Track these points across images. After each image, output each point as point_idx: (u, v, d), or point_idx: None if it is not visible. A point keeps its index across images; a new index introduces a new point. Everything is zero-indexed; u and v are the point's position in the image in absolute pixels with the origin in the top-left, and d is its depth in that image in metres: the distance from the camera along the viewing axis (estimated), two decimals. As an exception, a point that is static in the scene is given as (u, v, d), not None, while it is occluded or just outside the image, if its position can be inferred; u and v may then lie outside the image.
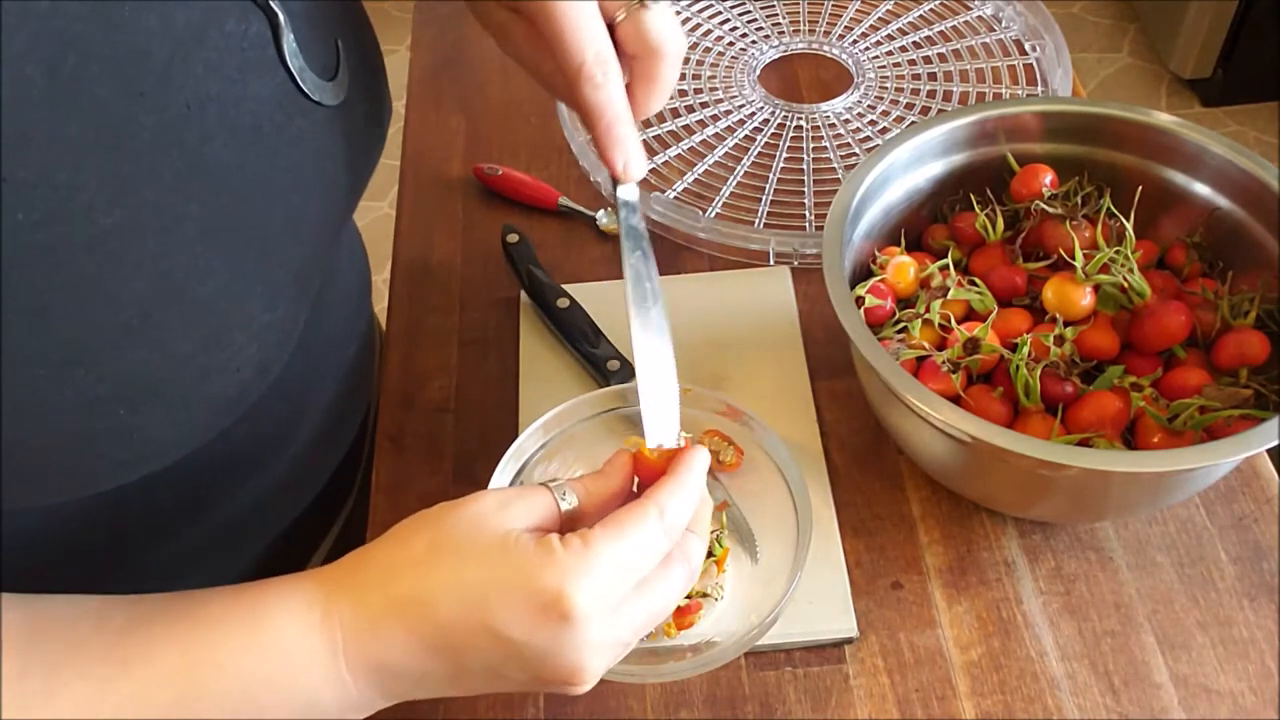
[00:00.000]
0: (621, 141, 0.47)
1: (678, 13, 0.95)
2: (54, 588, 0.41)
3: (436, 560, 0.40)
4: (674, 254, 0.77)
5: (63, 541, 0.50)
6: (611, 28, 0.47)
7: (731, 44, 0.93)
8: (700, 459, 0.45)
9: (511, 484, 0.52)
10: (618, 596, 0.40)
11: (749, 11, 0.95)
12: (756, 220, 0.78)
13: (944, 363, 0.57)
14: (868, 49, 0.91)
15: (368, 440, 0.74)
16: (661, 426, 0.46)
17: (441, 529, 0.41)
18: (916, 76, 0.88)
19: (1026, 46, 0.90)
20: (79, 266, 0.35)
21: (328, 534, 0.70)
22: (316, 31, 0.45)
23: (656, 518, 0.41)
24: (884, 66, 0.89)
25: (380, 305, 0.72)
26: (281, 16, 0.42)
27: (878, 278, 0.63)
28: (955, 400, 0.55)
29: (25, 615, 0.39)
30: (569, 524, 0.43)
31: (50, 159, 0.34)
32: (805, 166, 0.82)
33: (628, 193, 0.49)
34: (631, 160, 0.47)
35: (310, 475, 0.66)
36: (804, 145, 0.84)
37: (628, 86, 0.48)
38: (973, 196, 0.65)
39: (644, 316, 0.47)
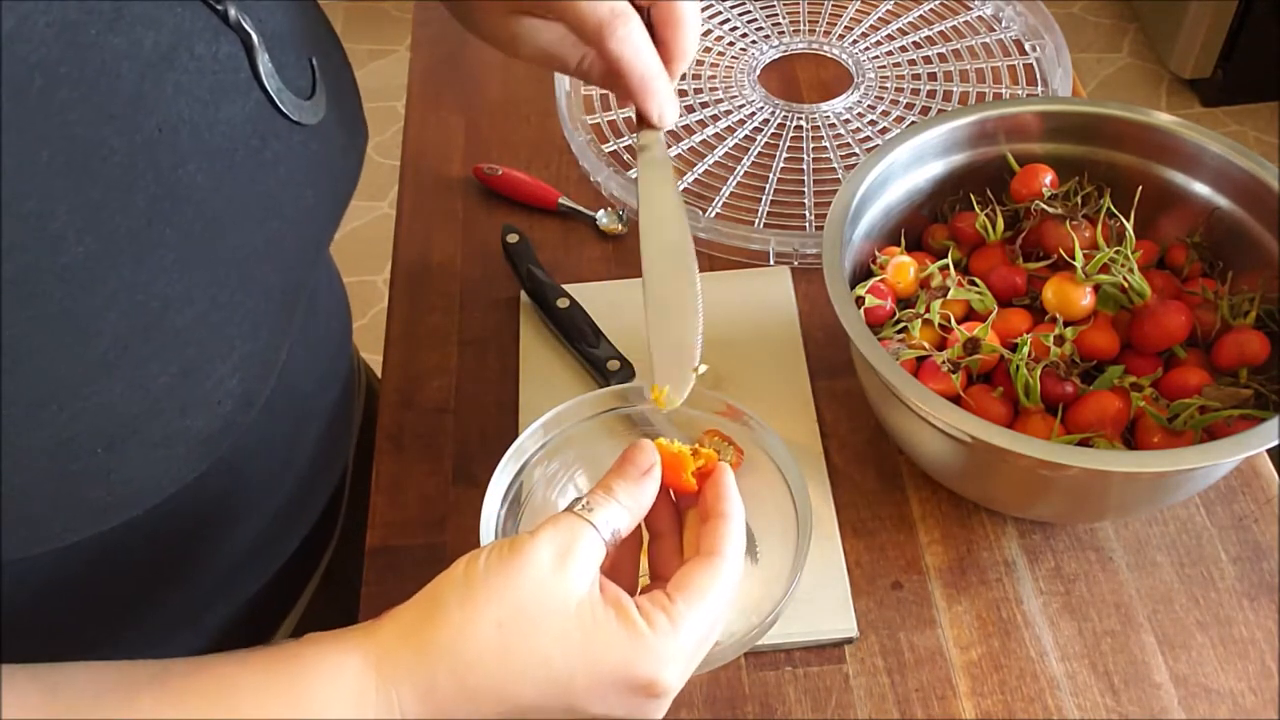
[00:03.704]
0: (656, 93, 0.46)
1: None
2: (18, 658, 0.38)
3: (511, 645, 0.38)
4: (674, 254, 0.77)
5: (29, 607, 0.48)
6: None
7: (731, 44, 0.92)
8: (730, 480, 0.44)
9: (511, 484, 0.52)
10: (701, 653, 0.41)
11: (749, 11, 0.95)
12: (756, 220, 0.78)
13: (944, 363, 0.57)
14: (868, 49, 0.91)
15: (346, 492, 0.71)
16: (674, 363, 0.45)
17: (507, 605, 0.38)
18: (916, 76, 0.88)
19: (1026, 46, 0.90)
20: (50, 298, 0.34)
21: (305, 589, 0.67)
22: (291, 52, 0.45)
23: (728, 571, 0.41)
24: (884, 66, 0.89)
25: (380, 305, 0.71)
26: (255, 38, 0.41)
27: (878, 278, 0.63)
28: (955, 400, 0.55)
29: (46, 687, 0.37)
30: (615, 550, 0.42)
31: (17, 187, 0.32)
32: (805, 166, 0.82)
33: (649, 136, 0.49)
34: (666, 108, 0.47)
35: (290, 529, 0.63)
36: (804, 145, 0.84)
37: (655, 38, 0.47)
38: (973, 196, 0.65)
39: (658, 234, 0.45)
